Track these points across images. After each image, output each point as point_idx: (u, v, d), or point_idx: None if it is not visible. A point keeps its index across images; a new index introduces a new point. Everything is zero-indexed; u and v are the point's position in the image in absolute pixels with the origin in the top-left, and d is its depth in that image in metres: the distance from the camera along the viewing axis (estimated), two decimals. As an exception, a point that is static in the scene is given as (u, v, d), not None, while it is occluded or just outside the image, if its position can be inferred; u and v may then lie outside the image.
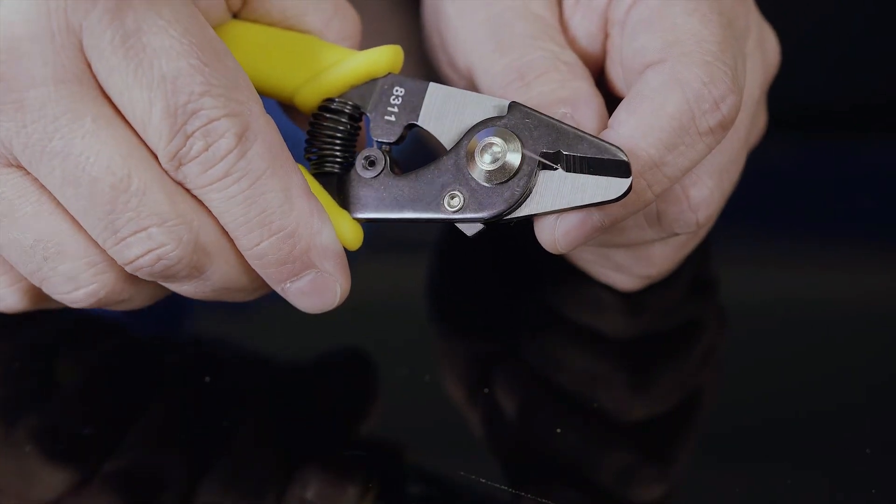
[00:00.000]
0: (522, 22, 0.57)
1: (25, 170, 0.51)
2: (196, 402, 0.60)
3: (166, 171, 0.51)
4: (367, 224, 0.56)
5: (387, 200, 0.55)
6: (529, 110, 0.54)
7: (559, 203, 0.53)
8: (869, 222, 0.76)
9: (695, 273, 0.68)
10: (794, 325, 0.67)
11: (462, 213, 0.54)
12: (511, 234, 0.61)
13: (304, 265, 0.54)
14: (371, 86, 0.56)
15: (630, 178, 0.52)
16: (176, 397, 0.60)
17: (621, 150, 0.52)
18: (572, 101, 0.55)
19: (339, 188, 0.56)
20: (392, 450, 0.58)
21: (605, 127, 0.54)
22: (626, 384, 0.62)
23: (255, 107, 0.52)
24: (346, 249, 0.55)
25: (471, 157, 0.54)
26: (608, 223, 0.54)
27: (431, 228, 0.69)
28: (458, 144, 0.54)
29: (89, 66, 0.50)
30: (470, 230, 0.55)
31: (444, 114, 0.55)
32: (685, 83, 0.53)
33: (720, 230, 0.67)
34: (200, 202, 0.52)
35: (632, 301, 0.65)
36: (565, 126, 0.53)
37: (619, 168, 0.52)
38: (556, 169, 0.53)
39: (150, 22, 0.49)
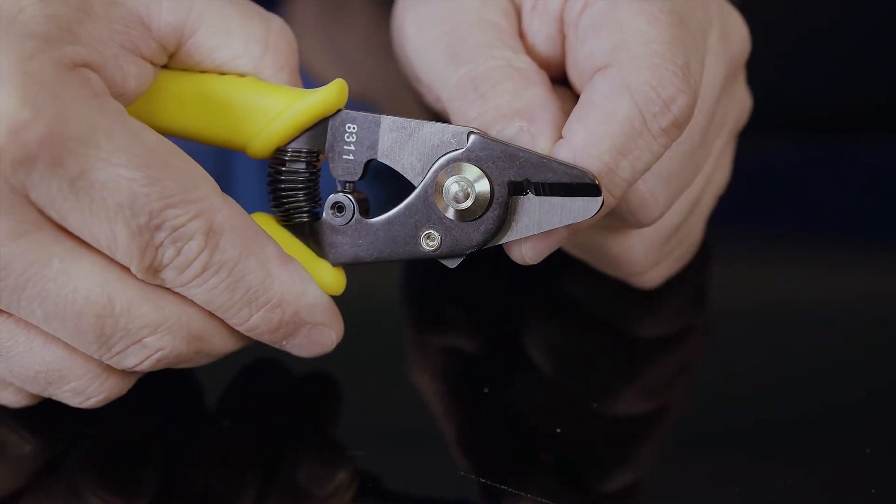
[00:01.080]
0: (476, 32, 0.57)
1: (8, 313, 0.52)
2: (188, 402, 0.61)
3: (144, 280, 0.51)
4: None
5: (363, 245, 0.55)
6: (488, 140, 0.53)
7: (535, 228, 0.53)
8: (869, 222, 0.76)
9: (694, 273, 0.68)
10: (794, 324, 0.67)
11: (441, 250, 0.54)
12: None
13: (297, 325, 0.55)
14: (322, 126, 0.55)
15: (601, 197, 0.52)
16: (169, 398, 0.60)
17: (588, 174, 0.52)
18: (528, 114, 0.54)
19: (313, 236, 0.56)
20: (391, 449, 0.58)
21: (560, 136, 0.54)
22: (625, 383, 0.62)
23: (215, 198, 0.51)
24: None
25: (439, 196, 0.54)
26: (573, 231, 0.54)
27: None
28: (424, 183, 0.54)
29: (41, 211, 0.49)
30: (452, 263, 0.55)
31: (402, 146, 0.54)
32: (633, 88, 0.53)
33: (719, 230, 0.67)
34: (183, 296, 0.52)
35: (630, 299, 0.65)
36: (527, 153, 0.53)
37: (588, 188, 0.52)
38: (527, 195, 0.53)
39: (91, 159, 0.48)
